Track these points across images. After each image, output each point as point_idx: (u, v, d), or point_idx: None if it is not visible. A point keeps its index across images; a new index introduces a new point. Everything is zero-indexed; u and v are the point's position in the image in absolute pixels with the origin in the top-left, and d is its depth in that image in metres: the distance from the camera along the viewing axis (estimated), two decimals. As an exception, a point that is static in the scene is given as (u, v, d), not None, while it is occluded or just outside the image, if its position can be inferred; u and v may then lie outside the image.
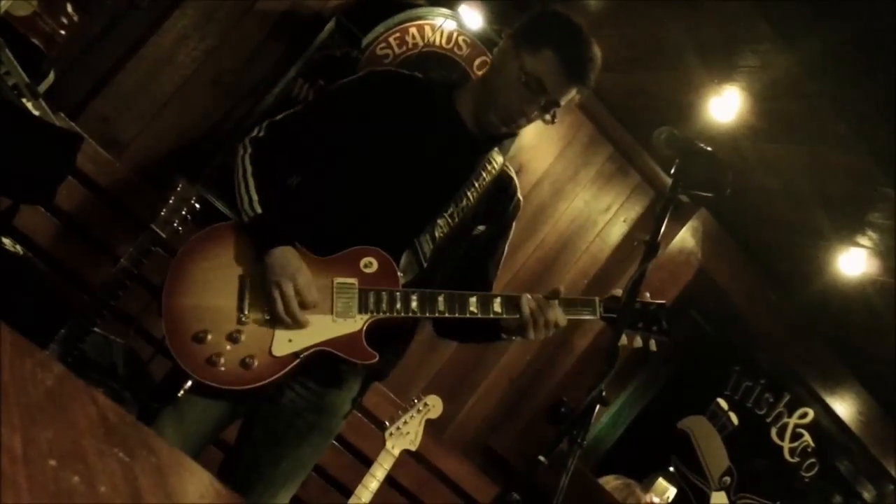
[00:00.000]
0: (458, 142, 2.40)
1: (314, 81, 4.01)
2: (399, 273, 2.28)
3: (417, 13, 4.22)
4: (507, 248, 2.59)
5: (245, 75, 4.07)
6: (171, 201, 2.70)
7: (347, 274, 2.24)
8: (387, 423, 3.13)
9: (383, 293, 2.23)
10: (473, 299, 2.28)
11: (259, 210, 2.21)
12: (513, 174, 2.55)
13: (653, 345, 2.33)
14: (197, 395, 2.21)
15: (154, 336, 3.61)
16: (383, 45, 4.16)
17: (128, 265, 2.70)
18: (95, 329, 2.84)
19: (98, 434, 1.16)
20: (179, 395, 2.19)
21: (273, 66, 4.08)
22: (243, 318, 2.17)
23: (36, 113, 2.65)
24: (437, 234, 2.36)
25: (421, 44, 4.22)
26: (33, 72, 2.86)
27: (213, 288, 2.19)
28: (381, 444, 3.11)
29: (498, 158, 2.49)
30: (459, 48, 4.31)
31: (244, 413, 2.35)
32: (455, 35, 4.30)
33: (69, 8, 3.25)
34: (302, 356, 2.18)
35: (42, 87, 3.07)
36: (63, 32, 3.22)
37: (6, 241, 3.10)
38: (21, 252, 3.17)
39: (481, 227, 2.46)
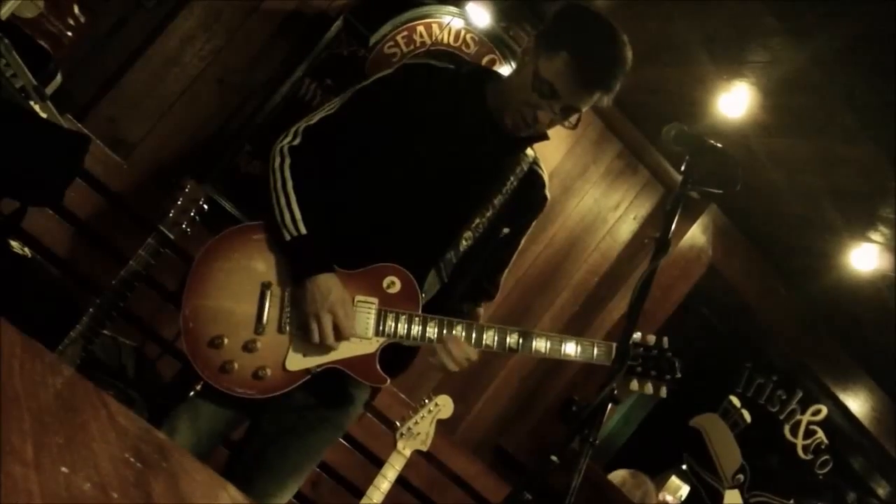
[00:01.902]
0: (490, 149, 2.31)
1: (321, 81, 4.01)
2: (421, 294, 2.23)
3: (425, 11, 4.22)
4: (521, 244, 2.52)
5: (252, 75, 4.07)
6: (179, 202, 2.69)
7: (369, 292, 2.20)
8: (398, 423, 3.11)
9: (402, 317, 2.19)
10: (490, 333, 2.23)
11: (304, 230, 2.14)
12: (542, 170, 2.44)
13: (663, 392, 2.25)
14: (209, 396, 2.21)
15: (164, 337, 3.60)
16: (391, 43, 4.15)
17: (136, 267, 2.69)
18: (105, 331, 2.83)
19: (109, 439, 1.15)
20: (191, 394, 2.19)
21: (280, 66, 4.08)
22: (261, 329, 2.15)
23: (43, 115, 2.64)
24: (461, 248, 2.31)
25: (428, 42, 4.21)
26: (40, 74, 2.86)
27: (234, 292, 2.17)
28: (393, 445, 3.09)
29: (529, 153, 2.40)
30: (467, 46, 4.30)
31: (254, 411, 2.33)
32: (463, 33, 4.29)
33: (76, 9, 3.24)
34: (313, 372, 2.18)
35: (49, 90, 3.07)
36: (70, 34, 3.23)
37: (14, 243, 3.10)
38: (29, 254, 3.17)
39: (506, 230, 2.40)
